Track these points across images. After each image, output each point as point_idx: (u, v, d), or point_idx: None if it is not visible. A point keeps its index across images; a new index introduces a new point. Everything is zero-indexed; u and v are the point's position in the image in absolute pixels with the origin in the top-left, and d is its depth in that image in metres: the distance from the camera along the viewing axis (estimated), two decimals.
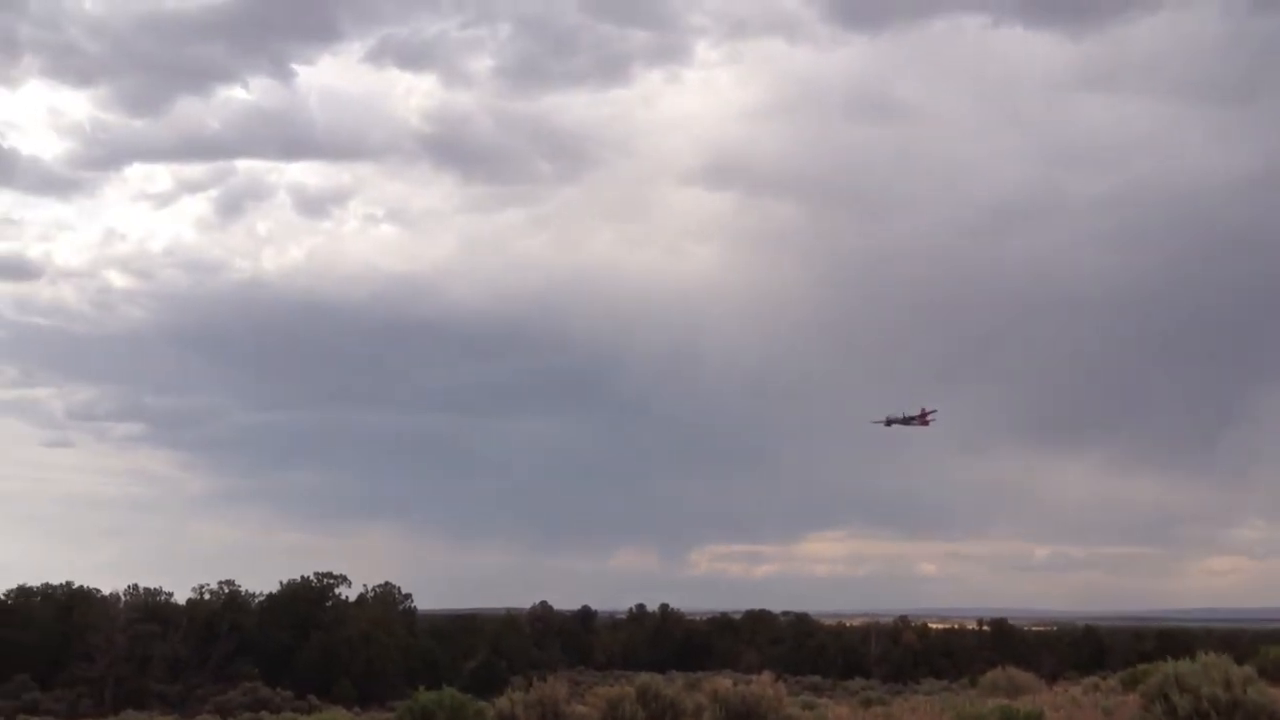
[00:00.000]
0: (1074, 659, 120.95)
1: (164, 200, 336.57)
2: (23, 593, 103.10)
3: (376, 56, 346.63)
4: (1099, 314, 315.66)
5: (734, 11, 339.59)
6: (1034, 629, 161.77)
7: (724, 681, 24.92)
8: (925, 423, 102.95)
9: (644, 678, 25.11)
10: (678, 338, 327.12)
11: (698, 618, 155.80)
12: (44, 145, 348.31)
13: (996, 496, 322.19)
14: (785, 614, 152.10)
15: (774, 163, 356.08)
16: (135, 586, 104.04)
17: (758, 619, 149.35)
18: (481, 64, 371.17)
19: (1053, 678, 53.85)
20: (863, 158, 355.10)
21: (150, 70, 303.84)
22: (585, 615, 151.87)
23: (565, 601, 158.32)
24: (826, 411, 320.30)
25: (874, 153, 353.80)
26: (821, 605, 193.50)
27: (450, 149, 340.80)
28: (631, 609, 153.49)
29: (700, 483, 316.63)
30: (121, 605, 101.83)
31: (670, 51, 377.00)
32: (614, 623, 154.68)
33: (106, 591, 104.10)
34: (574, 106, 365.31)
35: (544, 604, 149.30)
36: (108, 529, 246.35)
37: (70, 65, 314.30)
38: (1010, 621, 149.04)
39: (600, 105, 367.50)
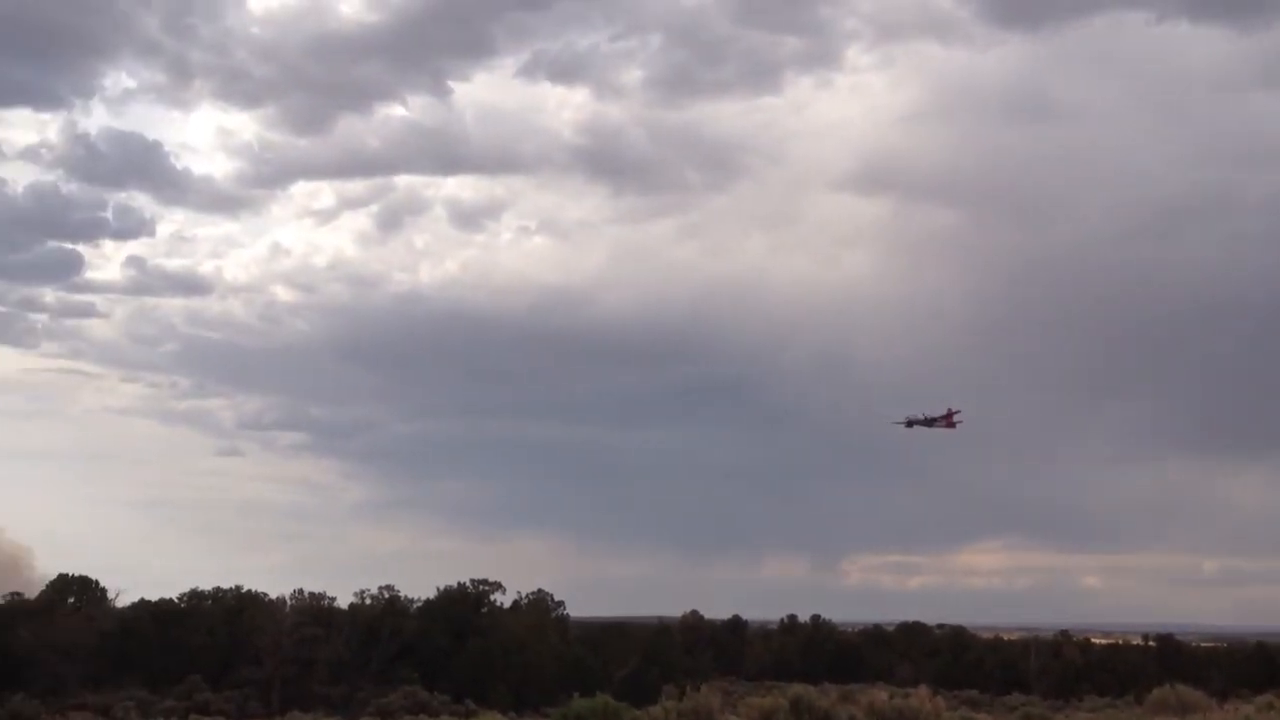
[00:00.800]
0: (1246, 677, 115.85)
1: (327, 216, 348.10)
2: (195, 596, 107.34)
3: (530, 71, 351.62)
4: (1271, 318, 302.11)
5: (886, 14, 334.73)
6: (1203, 645, 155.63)
7: (880, 694, 24.65)
8: (951, 425, 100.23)
9: (797, 689, 24.98)
10: (829, 345, 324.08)
11: (850, 629, 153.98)
12: (214, 165, 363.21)
13: (1163, 507, 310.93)
14: (940, 627, 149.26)
15: (929, 167, 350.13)
16: (300, 591, 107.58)
17: (912, 631, 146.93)
18: (632, 75, 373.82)
19: (1223, 696, 51.94)
20: (1021, 160, 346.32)
21: (314, 91, 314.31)
22: (736, 624, 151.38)
23: (716, 610, 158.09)
24: (983, 419, 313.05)
25: (1033, 154, 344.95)
26: (978, 618, 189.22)
27: (602, 160, 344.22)
28: (783, 619, 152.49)
29: (852, 491, 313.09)
30: (287, 609, 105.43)
31: (821, 57, 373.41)
32: (765, 633, 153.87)
33: (273, 595, 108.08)
34: (724, 115, 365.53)
35: (694, 612, 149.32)
36: (274, 534, 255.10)
37: (239, 88, 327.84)
38: (1177, 637, 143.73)
39: (750, 113, 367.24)
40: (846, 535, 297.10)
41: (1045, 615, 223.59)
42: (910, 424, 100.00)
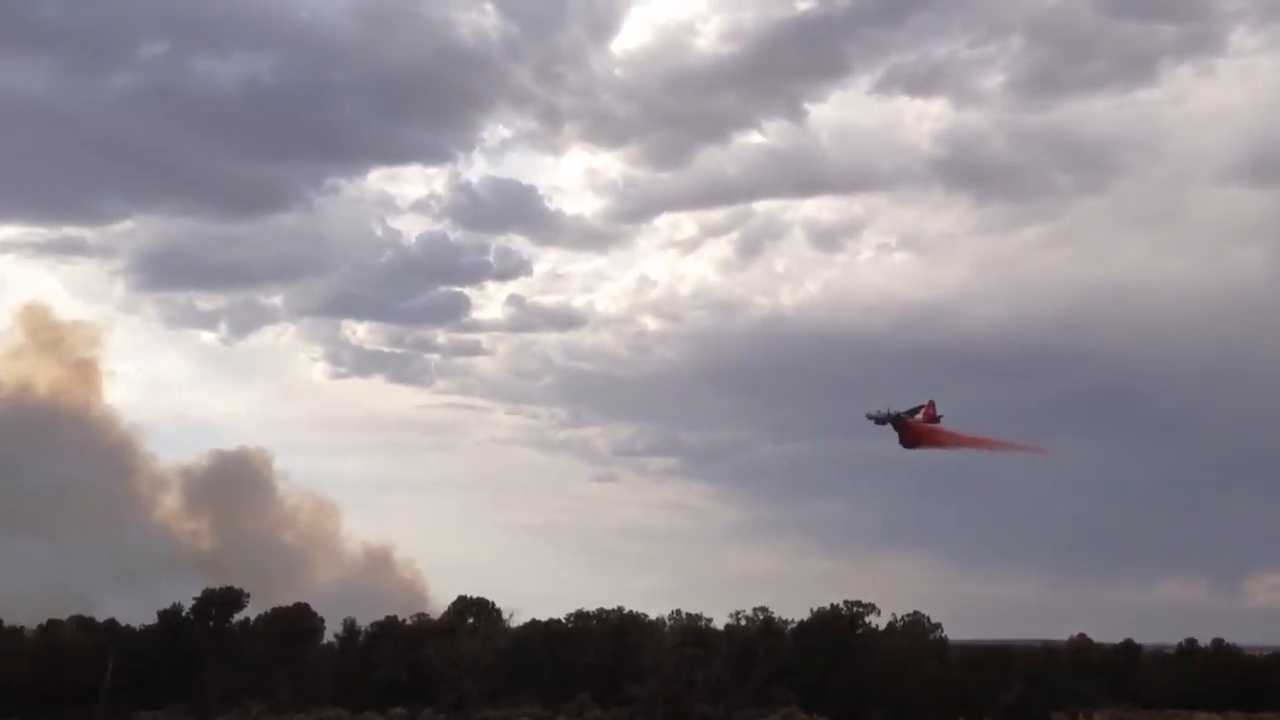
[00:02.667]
0: None
1: (689, 246, 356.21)
2: (580, 616, 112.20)
3: (885, 86, 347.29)
4: None
5: None
6: None
7: None
8: (934, 417, 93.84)
9: (1201, 717, 23.39)
10: (1224, 348, 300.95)
11: (1258, 653, 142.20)
12: (584, 204, 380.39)
13: None
14: None
15: None
16: (679, 612, 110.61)
17: None
18: (993, 80, 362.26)
19: None
20: None
21: (675, 125, 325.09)
22: (1129, 649, 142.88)
23: (1105, 633, 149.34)
24: None
25: None
26: None
27: (963, 171, 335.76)
28: (1181, 643, 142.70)
29: (1255, 505, 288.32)
30: (667, 629, 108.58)
31: (1201, 43, 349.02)
32: (1161, 657, 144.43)
33: (653, 616, 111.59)
34: (1094, 113, 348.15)
35: (1082, 635, 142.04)
36: (650, 557, 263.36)
37: (605, 129, 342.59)
38: None
39: (1123, 108, 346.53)
40: (1250, 552, 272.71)
41: None
42: (881, 420, 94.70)
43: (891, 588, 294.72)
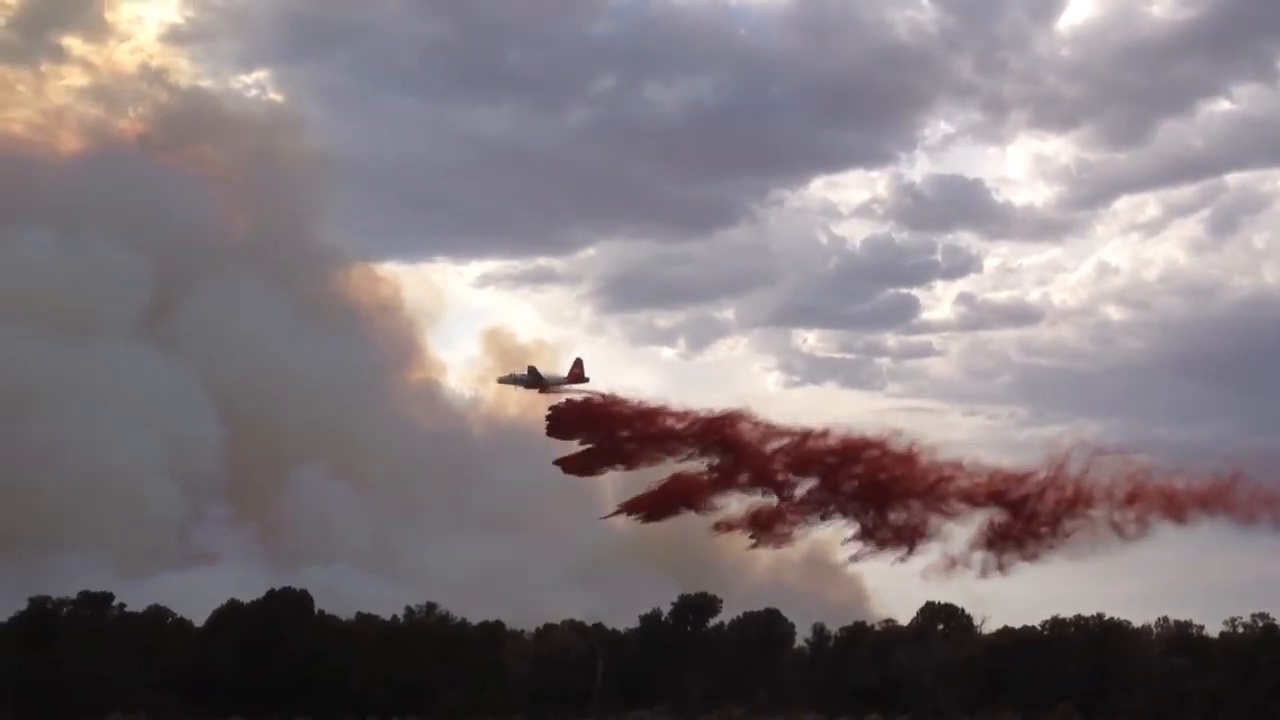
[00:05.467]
0: None
1: (1153, 228, 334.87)
2: (1056, 624, 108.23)
3: None
4: None
5: None
6: None
7: None
8: (579, 377, 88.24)
9: None
10: None
11: None
12: (1033, 194, 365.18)
13: None
14: None
15: None
16: (1165, 619, 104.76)
17: None
18: None
19: None
20: None
21: (1130, 101, 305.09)
22: None
23: None
24: None
25: None
26: None
27: None
28: None
29: None
30: (1153, 638, 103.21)
31: None
32: None
33: (1137, 624, 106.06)
34: None
35: None
36: (1130, 560, 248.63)
37: (1053, 113, 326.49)
38: None
39: None
40: None
41: None
42: (528, 385, 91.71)
43: None
